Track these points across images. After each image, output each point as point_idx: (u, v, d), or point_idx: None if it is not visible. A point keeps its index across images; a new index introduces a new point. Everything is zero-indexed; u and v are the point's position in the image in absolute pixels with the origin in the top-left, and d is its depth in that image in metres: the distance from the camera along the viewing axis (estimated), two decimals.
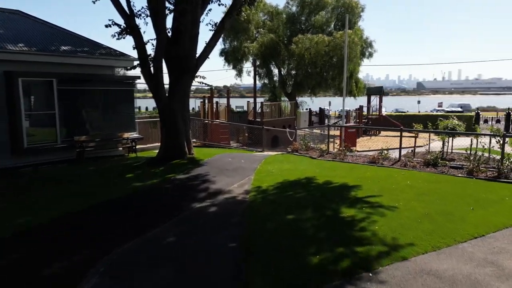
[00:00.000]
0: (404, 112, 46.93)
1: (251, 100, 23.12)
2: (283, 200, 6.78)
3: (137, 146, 14.54)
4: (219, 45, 30.72)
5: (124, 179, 8.86)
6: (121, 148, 13.37)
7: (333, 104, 53.84)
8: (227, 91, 19.05)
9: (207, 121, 19.04)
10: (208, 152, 12.92)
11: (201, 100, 20.45)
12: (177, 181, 8.58)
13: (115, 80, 13.63)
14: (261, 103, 20.16)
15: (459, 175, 8.93)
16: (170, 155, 10.43)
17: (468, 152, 13.53)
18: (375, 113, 29.02)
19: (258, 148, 17.03)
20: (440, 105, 55.85)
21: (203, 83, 12.27)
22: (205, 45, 10.76)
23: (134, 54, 11.43)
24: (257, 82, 30.20)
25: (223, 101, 28.69)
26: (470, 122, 28.15)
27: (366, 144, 22.60)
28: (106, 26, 10.39)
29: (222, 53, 31.03)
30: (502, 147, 8.83)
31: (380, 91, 28.16)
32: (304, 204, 6.49)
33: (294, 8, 27.55)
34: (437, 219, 5.70)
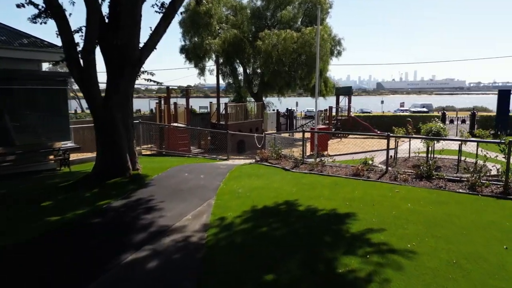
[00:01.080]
0: (370, 112, 46.84)
1: (214, 100, 21.08)
2: (256, 244, 4.86)
3: (75, 157, 12.06)
4: (179, 42, 28.32)
5: (37, 210, 6.52)
6: (52, 161, 10.86)
7: (301, 104, 52.90)
8: (186, 91, 16.87)
9: (164, 125, 16.74)
10: (161, 165, 10.74)
11: (157, 101, 18.09)
12: (111, 211, 6.38)
13: (42, 77, 11.09)
14: (225, 104, 18.17)
15: (460, 190, 7.49)
16: (108, 171, 8.18)
17: (455, 158, 12.41)
18: (343, 113, 27.98)
19: (222, 155, 15.03)
20: (402, 105, 56.66)
21: (151, 80, 10.09)
22: (151, 33, 8.57)
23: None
24: (221, 81, 28.16)
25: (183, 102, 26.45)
26: None
27: (337, 148, 21.29)
28: (18, 6, 7.92)
29: (183, 50, 28.64)
30: (508, 157, 7.50)
31: (349, 91, 27.15)
32: (286, 251, 4.61)
33: (259, 3, 25.77)
34: (470, 270, 4.04)
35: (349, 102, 26.92)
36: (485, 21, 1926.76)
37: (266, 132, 13.26)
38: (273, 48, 20.50)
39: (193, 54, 27.35)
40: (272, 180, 8.52)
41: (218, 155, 16.09)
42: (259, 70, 23.14)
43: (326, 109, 25.90)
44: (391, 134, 9.61)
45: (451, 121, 29.60)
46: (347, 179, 8.50)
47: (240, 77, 28.26)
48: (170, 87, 16.87)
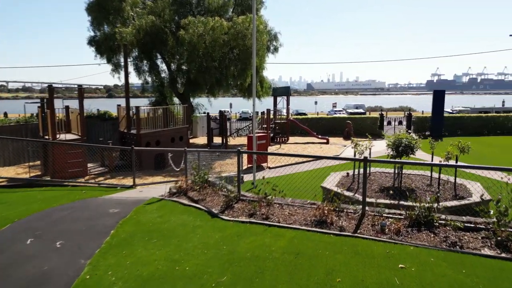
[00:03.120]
0: (305, 113, 45.39)
1: (140, 101, 16.66)
2: None
3: None
4: (87, 32, 23.09)
5: None
6: None
7: (235, 105, 49.66)
8: (80, 91, 12.32)
9: (47, 140, 12.04)
10: (5, 214, 6.43)
11: (38, 103, 13.22)
12: None
13: None
14: (136, 107, 13.98)
15: (487, 251, 4.70)
16: None
17: (424, 173, 9.99)
18: (282, 116, 25.32)
19: (131, 177, 11.00)
20: (334, 105, 56.64)
21: None
22: None
23: None
24: (138, 79, 23.56)
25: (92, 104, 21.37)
26: (376, 125, 26.65)
27: (277, 157, 18.35)
28: None
29: (92, 42, 23.44)
30: None
31: (287, 92, 24.52)
32: None
33: None
34: None
35: (288, 104, 24.29)
36: (402, 25, 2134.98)
37: (188, 150, 9.55)
38: (199, 39, 16.76)
39: (105, 47, 22.40)
40: (188, 247, 4.89)
41: (125, 177, 11.96)
42: (184, 66, 19.22)
43: (264, 112, 22.92)
44: (369, 159, 6.50)
45: (389, 123, 28.75)
46: (311, 238, 5.21)
47: (164, 75, 23.93)
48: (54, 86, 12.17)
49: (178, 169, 10.93)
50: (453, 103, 59.16)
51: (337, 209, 6.15)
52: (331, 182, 9.76)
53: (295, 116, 30.44)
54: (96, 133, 19.25)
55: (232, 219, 6.05)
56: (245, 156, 17.67)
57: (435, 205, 5.72)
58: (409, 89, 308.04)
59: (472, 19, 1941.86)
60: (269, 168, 15.76)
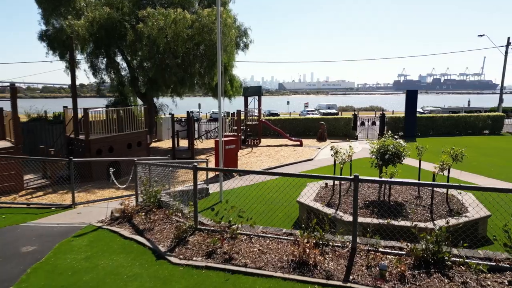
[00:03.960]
0: (277, 114, 44.30)
1: (91, 103, 14.60)
2: None
3: None
4: (38, 26, 20.66)
5: None
6: None
7: (205, 106, 47.74)
8: (12, 90, 10.29)
9: None
10: None
11: None
12: None
13: None
14: (84, 109, 12.04)
15: None
16: None
17: (409, 181, 8.88)
18: (254, 117, 23.94)
19: (76, 191, 9.17)
20: (306, 105, 56.06)
21: None
22: None
23: None
24: (94, 77, 21.35)
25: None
26: (349, 126, 25.86)
27: (248, 162, 16.91)
28: None
29: (44, 37, 21.10)
30: None
31: (259, 92, 23.12)
32: None
33: None
34: None
35: (259, 104, 22.89)
36: (371, 25, 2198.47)
37: (139, 160, 7.89)
38: (159, 33, 14.98)
39: (58, 42, 20.14)
40: None
41: (70, 191, 10.07)
42: (146, 64, 17.31)
43: (234, 113, 21.41)
44: (361, 178, 5.12)
45: (362, 123, 28.08)
46: None
47: (125, 73, 21.89)
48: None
49: (124, 187, 9.21)
50: (420, 103, 60.11)
51: (320, 242, 4.78)
52: (309, 195, 8.44)
53: (267, 117, 29.14)
54: (44, 138, 16.96)
55: (183, 262, 4.51)
56: (212, 159, 16.05)
57: (443, 232, 4.46)
58: (377, 89, 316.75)
59: (436, 22, 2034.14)
60: (240, 175, 14.31)
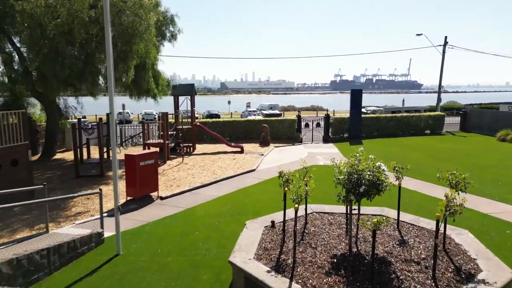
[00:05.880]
0: (218, 114, 41.10)
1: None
2: None
3: None
4: None
5: None
6: None
7: (134, 106, 42.61)
8: None
9: None
10: None
11: None
12: None
13: None
14: None
15: None
16: None
17: (389, 214, 6.41)
18: (187, 120, 20.60)
19: None
20: (248, 105, 53.71)
21: None
22: None
23: None
24: None
25: None
26: (293, 128, 23.75)
27: (176, 177, 13.63)
28: None
29: None
30: None
31: (191, 91, 19.83)
32: None
33: None
34: None
35: (192, 105, 19.57)
36: (314, 25, 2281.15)
37: None
38: (46, 11, 11.12)
39: None
40: None
41: None
42: (28, 54, 13.08)
43: (160, 116, 17.90)
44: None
45: (307, 125, 26.17)
46: None
47: (18, 66, 17.15)
48: None
49: None
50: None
51: None
52: (248, 245, 5.59)
53: (204, 120, 25.94)
54: None
55: None
56: (122, 184, 11.98)
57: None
58: (316, 89, 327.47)
59: (369, 24, 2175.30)
60: (161, 198, 11.04)
